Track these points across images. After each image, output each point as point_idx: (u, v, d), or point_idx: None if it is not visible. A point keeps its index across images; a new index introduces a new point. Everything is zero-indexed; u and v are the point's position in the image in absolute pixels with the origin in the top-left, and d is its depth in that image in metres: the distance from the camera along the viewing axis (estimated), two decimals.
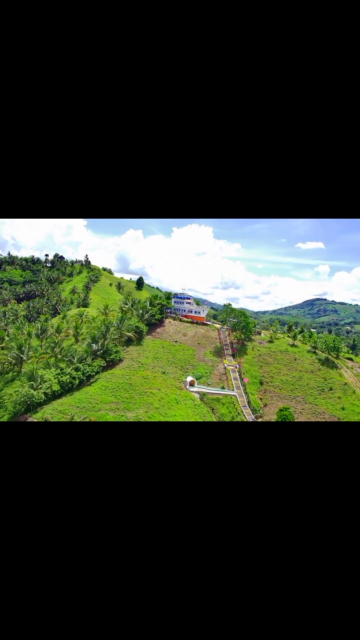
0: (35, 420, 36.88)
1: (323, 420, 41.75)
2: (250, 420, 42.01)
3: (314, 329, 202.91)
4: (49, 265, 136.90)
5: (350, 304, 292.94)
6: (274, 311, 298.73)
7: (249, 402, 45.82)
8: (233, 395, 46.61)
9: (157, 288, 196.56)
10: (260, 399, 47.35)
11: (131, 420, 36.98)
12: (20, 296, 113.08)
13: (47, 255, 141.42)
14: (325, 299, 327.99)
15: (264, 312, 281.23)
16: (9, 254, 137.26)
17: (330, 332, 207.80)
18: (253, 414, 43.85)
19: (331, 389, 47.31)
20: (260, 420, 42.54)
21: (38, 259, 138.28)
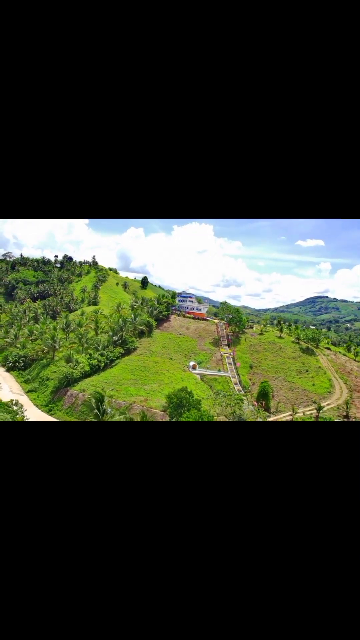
0: (76, 391, 50.24)
1: (297, 392, 54.95)
2: (240, 393, 55.24)
3: (313, 326, 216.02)
4: (58, 265, 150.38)
5: (352, 302, 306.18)
6: (275, 309, 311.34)
7: (240, 381, 59.00)
8: (227, 375, 59.78)
9: (159, 286, 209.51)
10: (249, 379, 60.53)
11: (147, 390, 50.25)
12: (35, 295, 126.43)
13: (56, 256, 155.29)
14: (327, 297, 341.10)
15: (266, 310, 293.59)
16: (21, 255, 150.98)
17: (329, 329, 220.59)
18: (243, 390, 57.10)
19: (307, 371, 60.45)
20: (248, 394, 55.72)
21: (49, 260, 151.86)
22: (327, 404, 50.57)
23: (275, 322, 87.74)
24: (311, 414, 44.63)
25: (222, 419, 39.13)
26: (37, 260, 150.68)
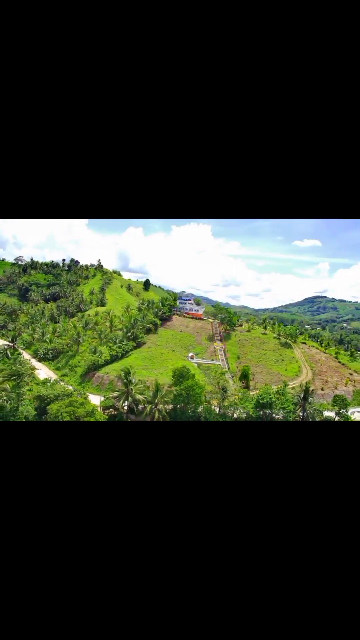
0: (102, 374, 68.86)
1: (272, 375, 73.64)
2: (229, 377, 73.89)
3: (309, 325, 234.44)
4: (66, 269, 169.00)
5: (350, 302, 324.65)
6: (274, 309, 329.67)
7: (228, 368, 77.67)
8: (219, 364, 78.52)
9: (159, 287, 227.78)
10: (237, 366, 79.25)
11: (156, 373, 68.79)
12: (47, 297, 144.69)
13: (64, 260, 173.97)
14: (325, 297, 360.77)
15: (265, 310, 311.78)
16: (31, 259, 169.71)
17: (324, 328, 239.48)
18: (231, 374, 75.85)
19: (282, 360, 79.20)
20: (234, 377, 74.35)
21: (57, 264, 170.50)
22: (294, 383, 69.30)
23: (261, 320, 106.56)
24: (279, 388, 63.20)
25: (210, 387, 57.76)
26: (46, 264, 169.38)
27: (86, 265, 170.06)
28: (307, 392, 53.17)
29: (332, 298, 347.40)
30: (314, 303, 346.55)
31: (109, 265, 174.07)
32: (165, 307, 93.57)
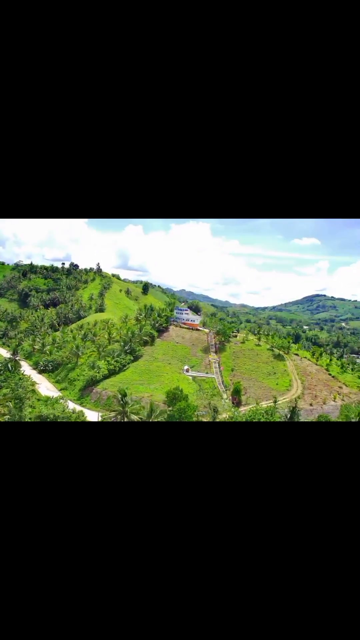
0: (100, 389, 72.37)
1: (264, 389, 77.16)
2: (222, 389, 77.42)
3: (307, 326, 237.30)
4: (65, 273, 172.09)
5: (350, 300, 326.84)
6: (274, 307, 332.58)
7: (222, 381, 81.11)
8: (213, 377, 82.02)
9: (159, 286, 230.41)
10: (230, 379, 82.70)
11: (152, 388, 72.30)
12: (47, 302, 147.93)
13: (63, 263, 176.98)
14: (324, 295, 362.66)
15: (264, 308, 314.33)
16: (31, 263, 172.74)
17: (322, 328, 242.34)
18: (224, 388, 79.37)
19: (275, 373, 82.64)
20: (227, 391, 77.84)
21: (57, 268, 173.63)
22: (283, 399, 72.79)
23: (257, 328, 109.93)
24: (268, 404, 66.68)
25: (202, 407, 61.28)
26: (46, 268, 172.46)
27: (85, 269, 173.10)
28: (293, 412, 56.63)
29: (332, 297, 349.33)
30: (313, 301, 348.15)
31: (108, 263, 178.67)
32: (162, 319, 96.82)
